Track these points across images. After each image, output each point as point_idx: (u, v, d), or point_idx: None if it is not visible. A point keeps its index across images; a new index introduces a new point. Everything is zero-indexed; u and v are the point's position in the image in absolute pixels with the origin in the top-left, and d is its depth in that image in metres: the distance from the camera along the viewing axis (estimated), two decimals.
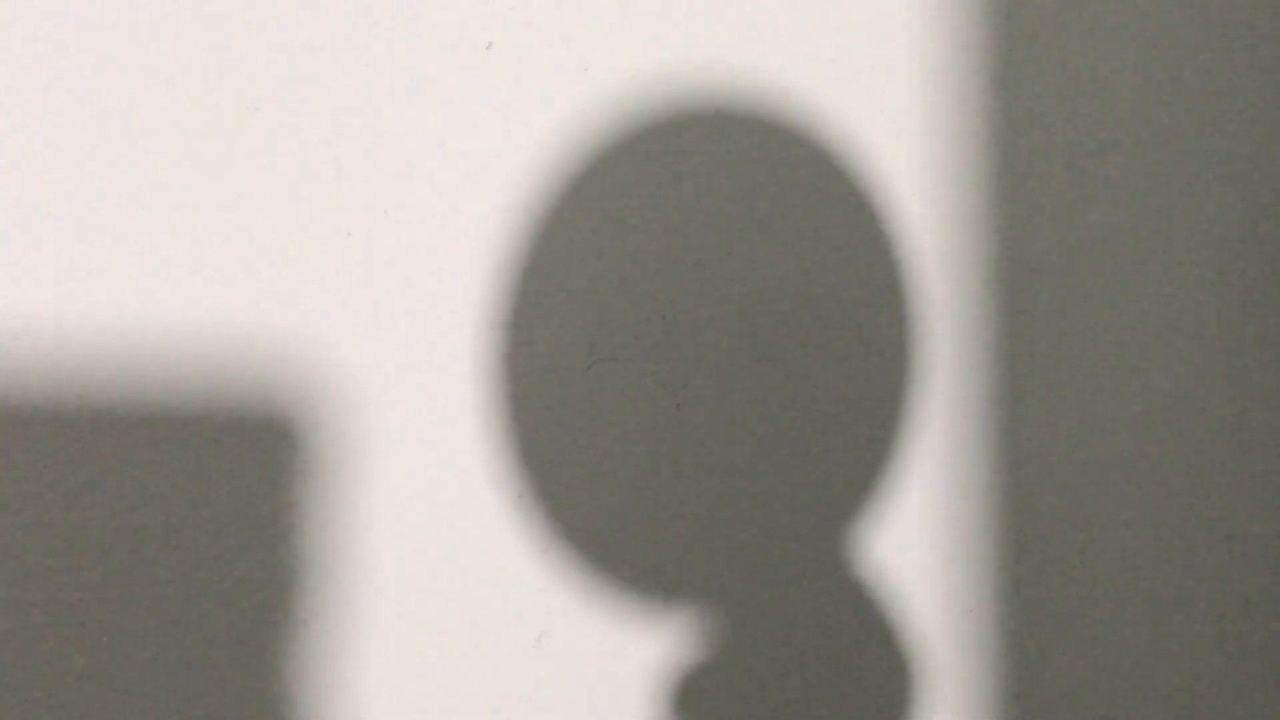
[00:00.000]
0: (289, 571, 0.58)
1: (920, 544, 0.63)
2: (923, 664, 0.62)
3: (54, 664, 0.56)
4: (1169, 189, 0.65)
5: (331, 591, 0.59)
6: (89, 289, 0.57)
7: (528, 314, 0.60)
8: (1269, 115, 0.67)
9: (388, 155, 0.59)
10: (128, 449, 0.57)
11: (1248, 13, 0.66)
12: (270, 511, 0.58)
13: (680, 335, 0.61)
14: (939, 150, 0.63)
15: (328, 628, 0.59)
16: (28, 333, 0.57)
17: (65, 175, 0.57)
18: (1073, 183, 0.65)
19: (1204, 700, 0.65)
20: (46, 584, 0.56)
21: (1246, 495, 0.66)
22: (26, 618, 0.56)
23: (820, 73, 0.63)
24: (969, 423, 0.64)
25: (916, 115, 0.63)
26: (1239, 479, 0.65)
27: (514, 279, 0.60)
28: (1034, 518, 0.64)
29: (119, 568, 0.57)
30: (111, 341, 0.57)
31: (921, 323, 0.63)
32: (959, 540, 0.63)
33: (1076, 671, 0.64)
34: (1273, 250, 0.66)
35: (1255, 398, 0.66)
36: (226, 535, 0.58)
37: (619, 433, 0.61)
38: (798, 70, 0.62)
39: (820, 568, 0.62)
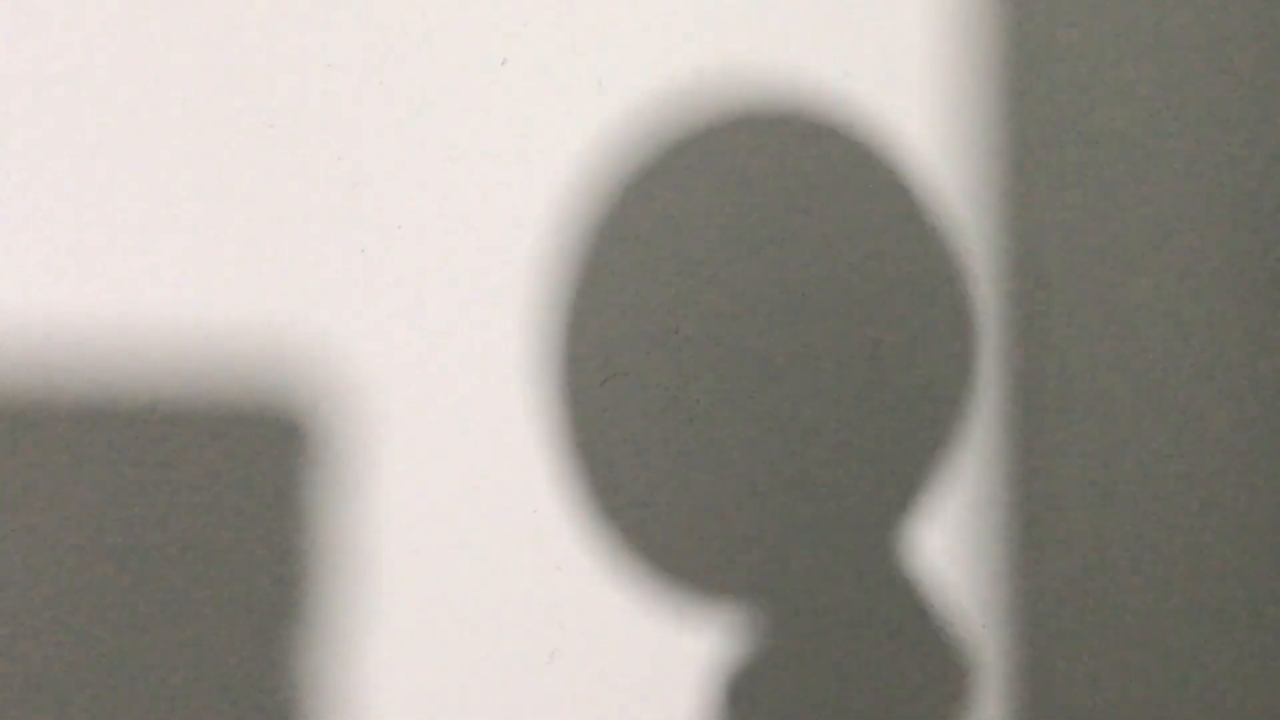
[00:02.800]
0: (299, 582, 0.58)
1: (934, 553, 0.63)
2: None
3: (60, 663, 0.56)
4: (1180, 199, 0.65)
5: (343, 605, 0.58)
6: (107, 297, 0.57)
7: (542, 329, 0.60)
8: None
9: (402, 171, 0.59)
10: (146, 454, 0.57)
11: (1265, 25, 0.66)
12: (283, 521, 0.58)
13: (694, 349, 0.61)
14: (952, 161, 0.63)
15: (338, 643, 0.59)
16: (50, 337, 0.57)
17: (85, 188, 0.57)
18: (1085, 195, 0.65)
19: (1218, 705, 0.65)
20: (55, 582, 0.56)
21: (1258, 501, 0.65)
22: (33, 616, 0.56)
23: (834, 85, 0.63)
24: (982, 430, 0.64)
25: (932, 127, 0.63)
26: (1251, 485, 0.65)
27: (528, 294, 0.60)
28: (1044, 528, 0.64)
29: (134, 568, 0.57)
30: (129, 350, 0.57)
31: (932, 333, 0.63)
32: (972, 550, 0.63)
33: (1089, 681, 0.64)
34: None
35: (1267, 405, 0.66)
36: (238, 544, 0.58)
37: (634, 446, 0.61)
38: (812, 84, 0.62)
39: (841, 575, 0.62)
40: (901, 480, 0.63)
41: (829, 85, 0.63)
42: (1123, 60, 0.65)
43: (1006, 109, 0.64)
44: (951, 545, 0.63)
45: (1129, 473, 0.64)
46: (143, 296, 0.57)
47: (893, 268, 0.63)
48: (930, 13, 0.63)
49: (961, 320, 0.63)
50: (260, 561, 0.58)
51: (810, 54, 0.63)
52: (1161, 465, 0.65)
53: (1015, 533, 0.64)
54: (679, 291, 0.61)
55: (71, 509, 0.56)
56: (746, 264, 0.62)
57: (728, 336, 0.62)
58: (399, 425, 0.59)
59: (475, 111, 0.60)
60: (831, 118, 0.63)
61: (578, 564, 0.60)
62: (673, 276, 0.61)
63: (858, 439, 0.62)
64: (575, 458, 0.60)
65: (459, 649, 0.59)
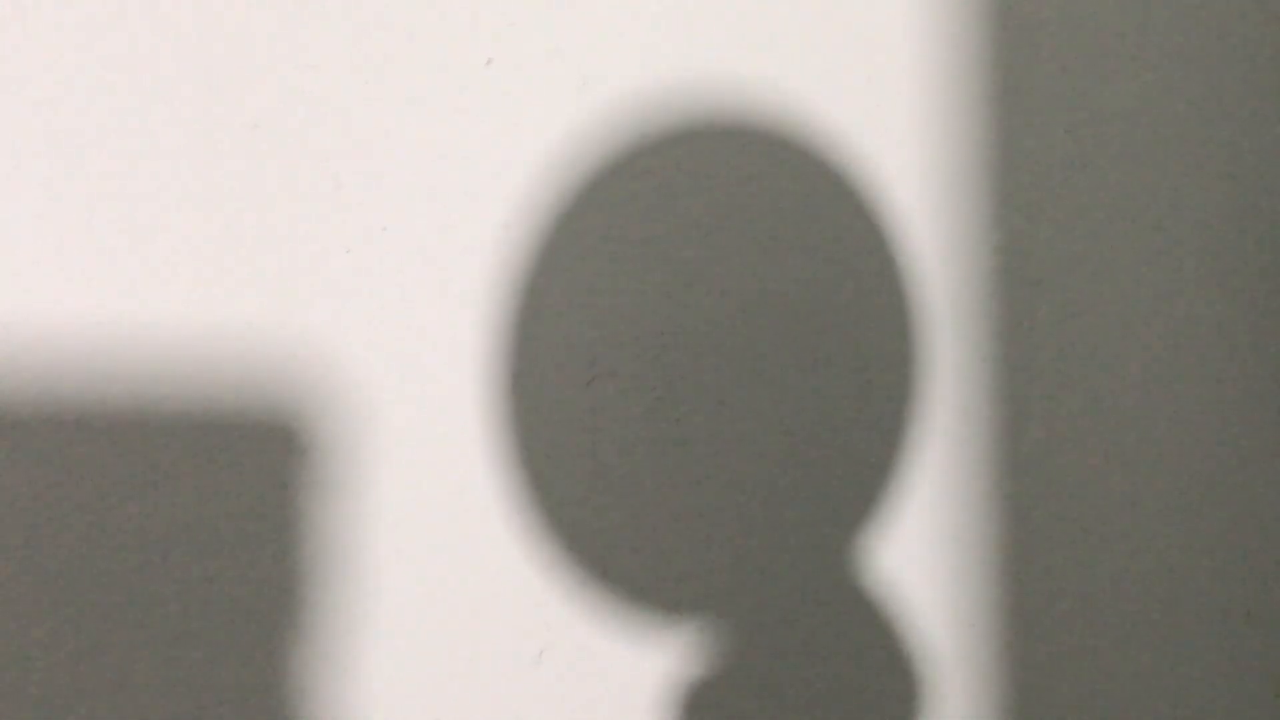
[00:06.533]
0: (289, 584, 0.58)
1: (920, 557, 0.63)
2: (929, 675, 0.62)
3: (57, 668, 0.56)
4: (1170, 199, 0.65)
5: (332, 606, 0.59)
6: (94, 300, 0.57)
7: (528, 329, 0.60)
8: (1273, 124, 0.66)
9: (387, 172, 0.59)
10: (135, 457, 0.57)
11: (1253, 21, 0.66)
12: (270, 524, 0.58)
13: (679, 350, 0.61)
14: (938, 161, 0.63)
15: (328, 643, 0.59)
16: (38, 342, 0.57)
17: (69, 190, 0.57)
18: (1073, 192, 0.65)
19: (1206, 711, 0.65)
20: (51, 589, 0.56)
21: (1247, 505, 0.65)
22: (30, 622, 0.56)
23: (818, 85, 0.63)
24: (970, 434, 0.64)
25: (916, 126, 0.63)
26: (1240, 489, 0.65)
27: (513, 294, 0.60)
28: (1034, 529, 0.64)
29: (124, 573, 0.57)
30: (116, 353, 0.57)
31: (922, 335, 0.63)
32: (959, 553, 0.63)
33: (1078, 684, 0.64)
34: (1276, 260, 0.66)
35: (1257, 407, 0.65)
36: (226, 548, 0.58)
37: (619, 447, 0.61)
38: (796, 83, 0.63)
39: (825, 578, 0.62)
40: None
41: (813, 86, 0.63)
42: (1112, 59, 0.65)
43: (993, 110, 0.64)
44: (938, 550, 0.63)
45: (1119, 474, 0.64)
46: (124, 298, 0.57)
47: (879, 271, 0.63)
48: (915, 15, 0.64)
49: (948, 325, 0.63)
50: (251, 562, 0.58)
51: (795, 55, 0.63)
52: (1151, 466, 0.65)
53: (1002, 536, 0.64)
54: (664, 291, 0.61)
55: (61, 512, 0.56)
56: (729, 266, 0.62)
57: (710, 339, 0.62)
58: (384, 424, 0.59)
59: (459, 112, 0.60)
60: (816, 120, 0.63)
61: (565, 564, 0.60)
62: (656, 278, 0.61)
63: (845, 443, 0.62)
64: (562, 458, 0.60)
65: (448, 648, 0.59)
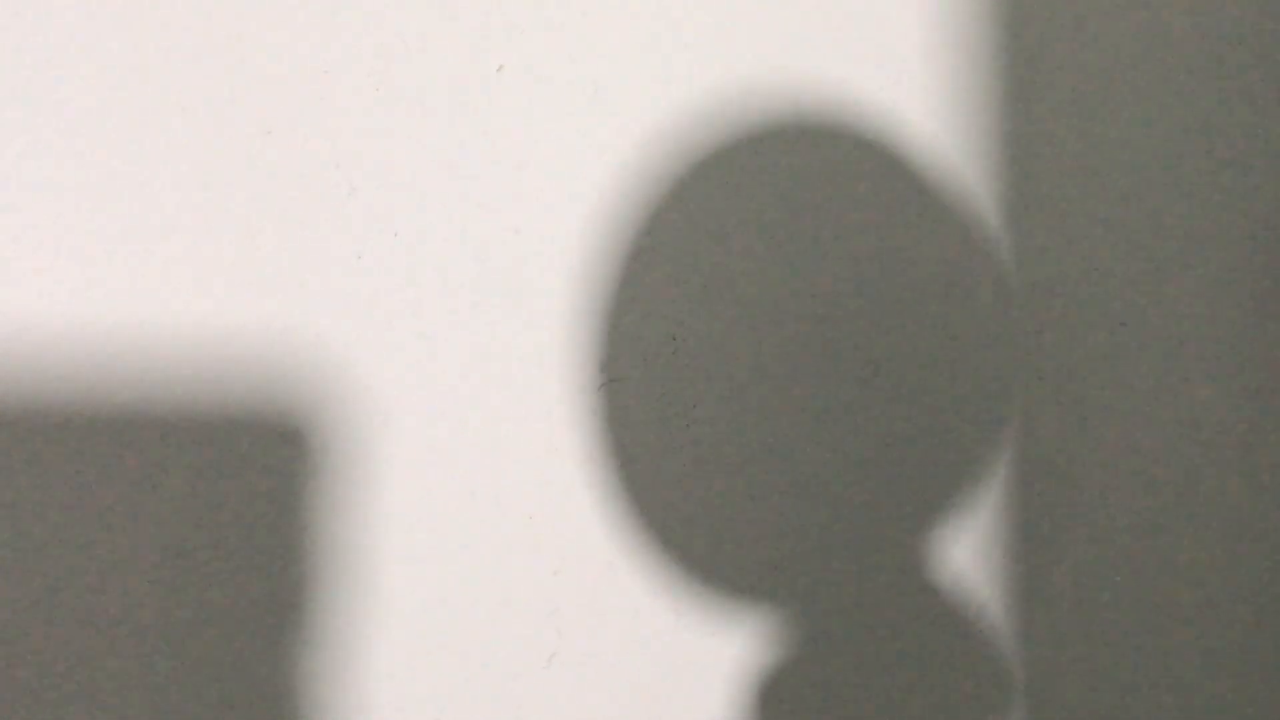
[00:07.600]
0: (299, 587, 0.58)
1: (940, 559, 0.63)
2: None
3: (58, 669, 0.57)
4: (1185, 198, 0.65)
5: (342, 609, 0.59)
6: (106, 304, 0.58)
7: (537, 334, 0.60)
8: None
9: (399, 178, 0.60)
10: (151, 459, 0.58)
11: (1267, 28, 0.66)
12: (281, 526, 0.58)
13: (690, 354, 0.61)
14: (950, 165, 0.63)
15: (338, 647, 0.59)
16: (49, 343, 0.57)
17: (84, 193, 0.58)
18: (1083, 197, 0.64)
19: (1216, 709, 0.64)
20: (53, 588, 0.57)
21: (1257, 508, 0.65)
22: (32, 623, 0.57)
23: (831, 92, 0.63)
24: (982, 436, 0.63)
25: (927, 131, 0.63)
26: (1250, 492, 0.65)
27: (523, 299, 0.60)
28: (1044, 531, 0.63)
29: (133, 574, 0.57)
30: (129, 355, 0.58)
31: (933, 339, 0.63)
32: (970, 553, 0.63)
33: (1089, 684, 0.63)
34: None
35: (1266, 411, 0.65)
36: (237, 551, 0.58)
37: (629, 453, 0.61)
38: (807, 88, 0.63)
39: (844, 580, 0.62)
40: (913, 486, 0.62)
41: (828, 91, 0.63)
42: (1126, 59, 0.65)
43: (1010, 112, 0.64)
44: (958, 550, 0.63)
45: (1131, 477, 0.64)
46: (141, 302, 0.58)
47: (892, 273, 0.62)
48: (931, 16, 0.63)
49: (967, 325, 0.63)
50: (260, 566, 0.58)
51: (810, 59, 0.63)
52: (1162, 477, 0.64)
53: (1020, 539, 0.63)
54: (675, 296, 0.61)
55: (70, 514, 0.57)
56: (739, 270, 0.62)
57: (728, 343, 0.62)
58: (397, 431, 0.59)
59: (471, 118, 0.60)
60: (831, 124, 0.63)
61: (575, 569, 0.60)
62: (666, 282, 0.61)
63: (854, 446, 0.62)
64: (573, 464, 0.61)
65: (458, 652, 0.60)
